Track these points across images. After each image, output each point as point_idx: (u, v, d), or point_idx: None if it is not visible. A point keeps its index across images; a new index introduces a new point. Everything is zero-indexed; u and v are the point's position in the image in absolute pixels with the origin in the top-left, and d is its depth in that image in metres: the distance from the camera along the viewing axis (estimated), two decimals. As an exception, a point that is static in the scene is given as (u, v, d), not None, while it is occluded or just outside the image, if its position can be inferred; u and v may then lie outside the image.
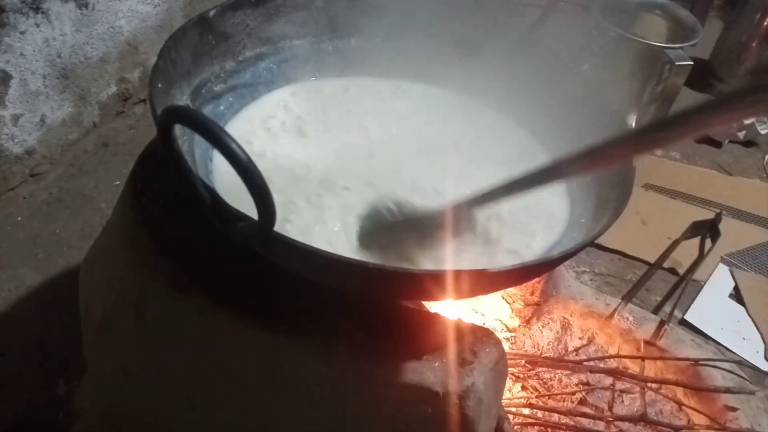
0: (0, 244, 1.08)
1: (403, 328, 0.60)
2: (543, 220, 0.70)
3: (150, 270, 0.62)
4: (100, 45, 1.24)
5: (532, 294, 0.98)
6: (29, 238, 1.10)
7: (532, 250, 0.66)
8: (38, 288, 1.02)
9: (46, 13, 1.10)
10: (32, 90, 1.13)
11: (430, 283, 0.54)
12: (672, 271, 1.18)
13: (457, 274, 0.52)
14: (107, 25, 1.24)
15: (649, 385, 0.90)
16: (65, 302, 0.83)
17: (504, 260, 0.64)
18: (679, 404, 0.90)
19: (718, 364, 0.93)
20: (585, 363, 0.90)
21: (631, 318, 0.97)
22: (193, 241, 0.64)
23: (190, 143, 0.62)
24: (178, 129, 0.46)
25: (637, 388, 0.90)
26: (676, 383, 0.90)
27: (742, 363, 0.99)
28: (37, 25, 1.09)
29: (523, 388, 0.88)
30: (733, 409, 0.88)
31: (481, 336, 0.60)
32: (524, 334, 0.94)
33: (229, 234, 0.50)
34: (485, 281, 0.56)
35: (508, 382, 0.86)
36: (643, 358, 0.93)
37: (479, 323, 0.64)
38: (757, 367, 1.02)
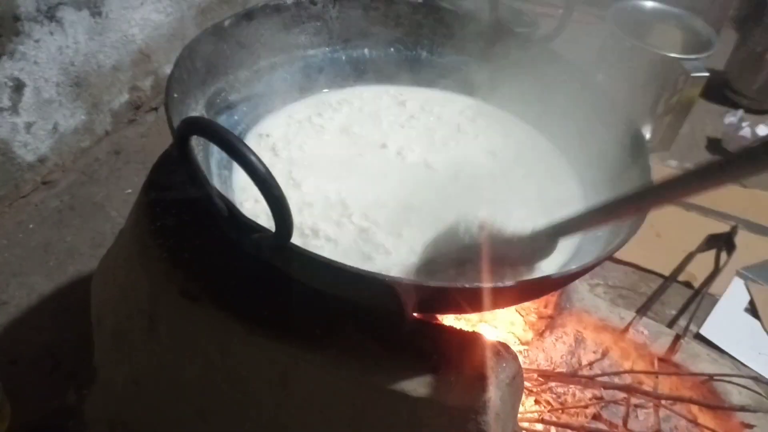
0: (12, 251, 1.08)
1: (417, 342, 0.59)
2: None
3: (163, 280, 0.62)
4: (112, 53, 1.25)
5: (545, 307, 0.97)
6: (40, 246, 1.10)
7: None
8: (49, 296, 1.02)
9: (60, 21, 1.11)
10: (45, 98, 1.13)
11: (446, 296, 0.53)
12: (687, 284, 1.16)
13: (474, 288, 0.51)
14: (120, 33, 1.25)
15: (663, 401, 0.88)
16: (76, 310, 0.83)
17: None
18: (694, 421, 0.88)
19: (734, 379, 0.91)
20: (598, 378, 0.89)
21: (645, 332, 0.95)
22: (206, 251, 0.63)
23: (205, 153, 0.62)
24: (193, 138, 0.46)
25: (652, 403, 0.88)
26: (690, 401, 0.88)
27: (758, 379, 0.98)
28: (51, 34, 1.10)
29: (536, 402, 0.87)
30: (750, 426, 0.87)
31: (498, 350, 0.59)
32: (537, 348, 0.92)
33: (243, 245, 0.49)
34: (501, 296, 0.56)
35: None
36: (657, 374, 0.91)
37: (493, 336, 0.63)
38: (773, 382, 1.01)
